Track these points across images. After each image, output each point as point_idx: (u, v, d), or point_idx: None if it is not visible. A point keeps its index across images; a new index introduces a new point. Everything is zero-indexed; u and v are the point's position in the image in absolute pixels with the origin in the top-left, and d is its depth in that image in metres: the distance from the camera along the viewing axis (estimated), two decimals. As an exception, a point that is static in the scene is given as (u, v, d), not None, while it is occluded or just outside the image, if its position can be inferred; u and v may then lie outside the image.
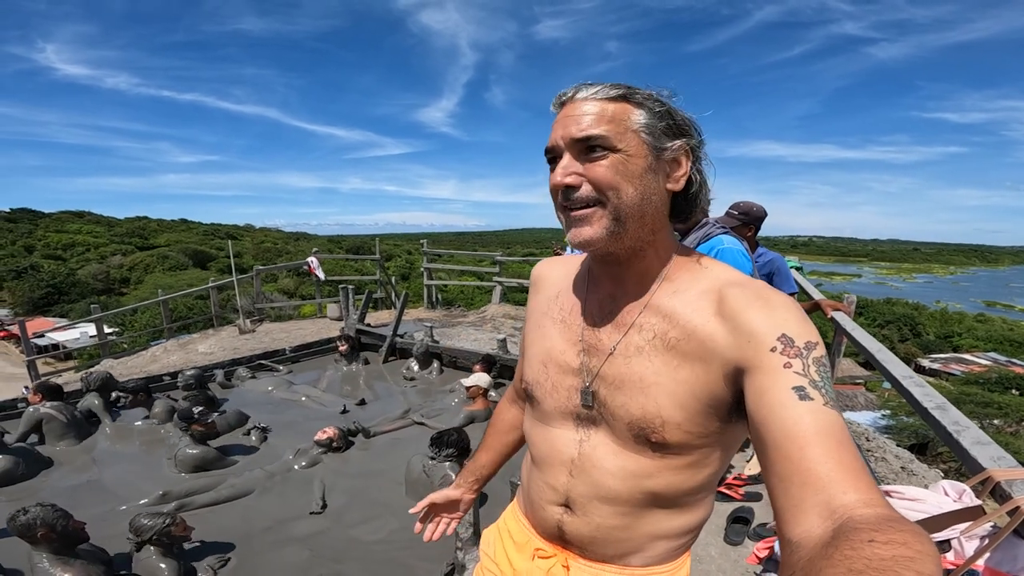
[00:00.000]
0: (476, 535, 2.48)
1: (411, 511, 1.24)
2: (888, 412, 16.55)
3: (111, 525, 2.91)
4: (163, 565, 2.46)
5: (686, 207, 0.82)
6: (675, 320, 0.78)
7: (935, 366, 35.59)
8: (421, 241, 11.39)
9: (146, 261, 53.63)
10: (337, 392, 5.37)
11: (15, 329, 7.62)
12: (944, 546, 1.25)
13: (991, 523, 1.23)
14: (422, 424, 4.38)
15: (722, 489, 3.05)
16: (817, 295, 3.14)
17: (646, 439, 0.80)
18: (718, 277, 0.80)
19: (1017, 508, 1.10)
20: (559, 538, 0.95)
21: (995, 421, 17.13)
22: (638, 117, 0.75)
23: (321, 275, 9.76)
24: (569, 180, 0.77)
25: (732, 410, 0.75)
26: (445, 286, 12.85)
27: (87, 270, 50.12)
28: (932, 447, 13.19)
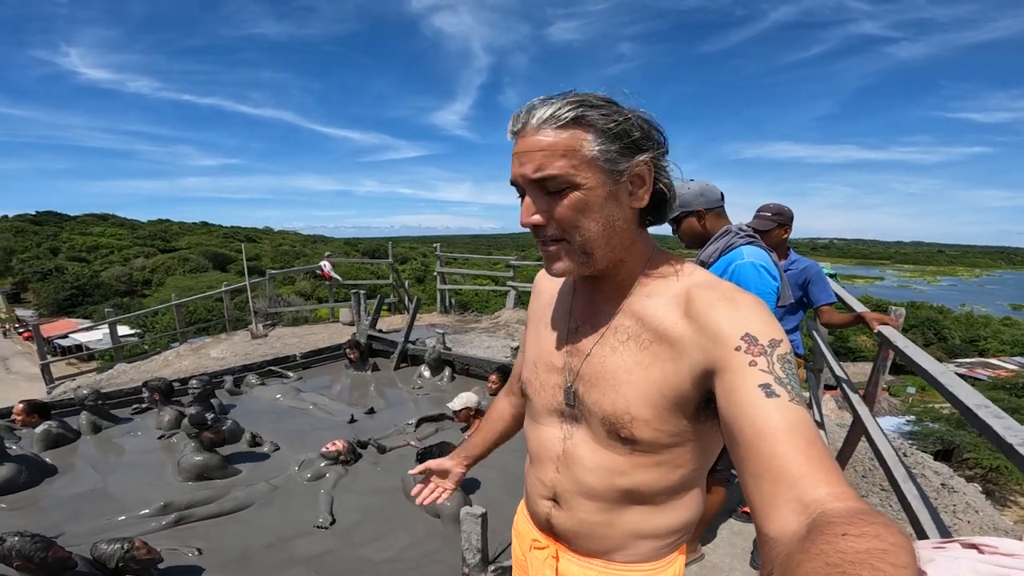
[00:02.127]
0: (484, 561, 2.33)
1: (410, 472, 1.43)
2: (912, 418, 16.17)
3: (110, 536, 2.80)
4: None
5: (658, 214, 0.84)
6: (647, 322, 0.81)
7: (961, 371, 34.68)
8: (435, 245, 11.28)
9: (167, 263, 54.59)
10: (346, 400, 5.25)
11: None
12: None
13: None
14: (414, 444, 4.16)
15: (747, 510, 2.87)
16: (859, 307, 2.91)
17: (617, 435, 0.83)
18: (689, 279, 0.82)
19: None
20: (549, 530, 1.00)
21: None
22: (593, 145, 0.73)
23: (337, 277, 9.71)
24: (534, 220, 0.79)
25: (701, 409, 0.78)
26: (459, 290, 12.74)
27: (110, 272, 51.15)
28: (957, 453, 12.87)
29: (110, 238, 67.13)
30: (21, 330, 35.76)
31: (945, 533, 1.70)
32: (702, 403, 0.77)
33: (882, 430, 2.49)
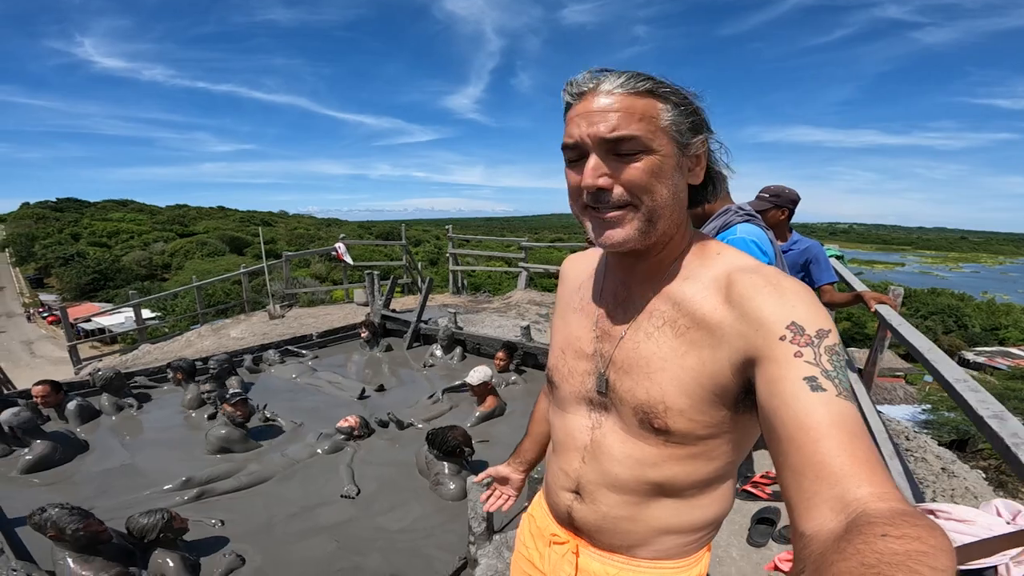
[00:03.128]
0: (489, 530, 2.44)
1: (474, 480, 1.41)
2: (928, 407, 16.00)
3: (137, 510, 2.94)
4: (170, 561, 2.45)
5: (704, 195, 0.84)
6: (684, 307, 0.78)
7: (980, 359, 34.08)
8: (447, 226, 11.35)
9: (186, 247, 55.35)
10: (360, 378, 5.38)
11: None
12: (990, 572, 1.12)
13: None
14: (420, 427, 4.18)
15: (748, 488, 2.93)
16: (859, 286, 2.95)
17: (650, 424, 0.80)
18: (729, 263, 0.79)
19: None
20: (570, 524, 0.97)
21: (1042, 420, 16.35)
22: (667, 114, 0.73)
23: (349, 260, 9.84)
24: (602, 182, 0.74)
25: (740, 400, 0.75)
26: (472, 271, 12.82)
27: (131, 256, 52.01)
28: (972, 443, 12.75)
29: (130, 223, 68.13)
30: (45, 314, 36.62)
31: (920, 501, 1.76)
32: (741, 394, 0.74)
33: (876, 408, 2.54)
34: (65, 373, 8.13)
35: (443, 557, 2.60)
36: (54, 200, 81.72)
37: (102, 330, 28.64)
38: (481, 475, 1.32)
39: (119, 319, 26.16)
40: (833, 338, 0.64)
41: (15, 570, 2.27)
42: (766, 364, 0.65)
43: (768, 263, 1.95)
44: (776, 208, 2.66)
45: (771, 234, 2.03)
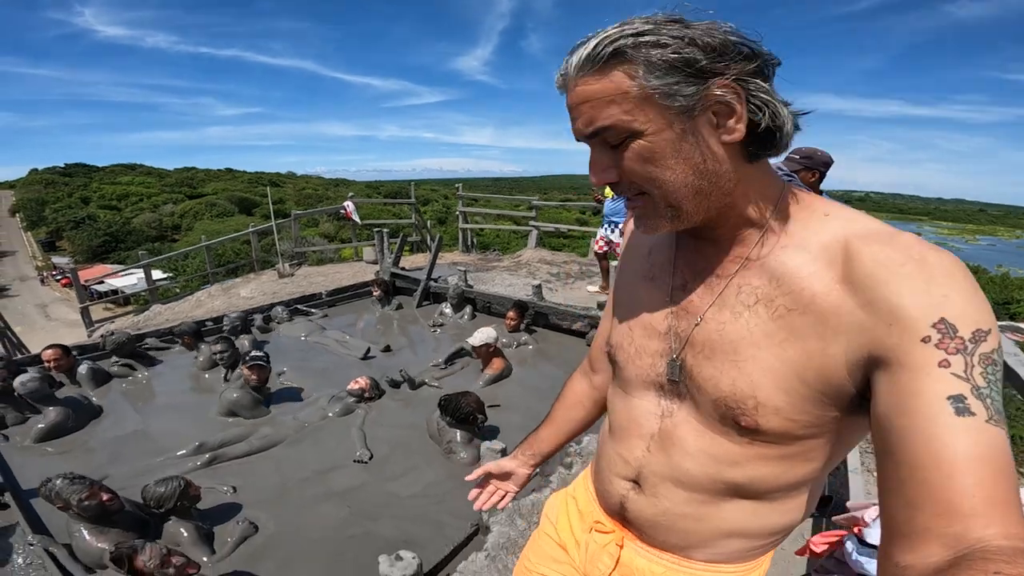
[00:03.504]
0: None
1: (467, 478, 1.18)
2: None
3: (150, 477, 2.89)
4: (184, 531, 2.43)
5: (770, 140, 0.62)
6: (785, 283, 0.63)
7: None
8: (456, 185, 11.13)
9: (195, 209, 55.57)
10: (369, 338, 5.31)
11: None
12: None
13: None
14: (434, 386, 4.14)
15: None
16: None
17: (734, 421, 0.67)
18: (845, 227, 0.61)
19: None
20: (620, 515, 0.86)
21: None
22: (644, 80, 0.57)
23: (357, 219, 9.72)
24: (605, 177, 0.65)
25: (855, 403, 0.60)
26: (481, 230, 12.68)
27: (141, 219, 52.31)
28: None
29: (139, 187, 68.25)
30: (58, 277, 37.04)
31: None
32: (858, 396, 0.59)
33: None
34: (79, 335, 8.17)
35: (455, 524, 2.56)
36: (63, 165, 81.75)
37: (115, 291, 28.99)
38: (476, 472, 1.13)
39: (131, 280, 26.36)
40: (992, 342, 0.50)
41: (32, 544, 2.24)
42: (898, 371, 0.52)
43: None
44: (807, 170, 2.57)
45: None
